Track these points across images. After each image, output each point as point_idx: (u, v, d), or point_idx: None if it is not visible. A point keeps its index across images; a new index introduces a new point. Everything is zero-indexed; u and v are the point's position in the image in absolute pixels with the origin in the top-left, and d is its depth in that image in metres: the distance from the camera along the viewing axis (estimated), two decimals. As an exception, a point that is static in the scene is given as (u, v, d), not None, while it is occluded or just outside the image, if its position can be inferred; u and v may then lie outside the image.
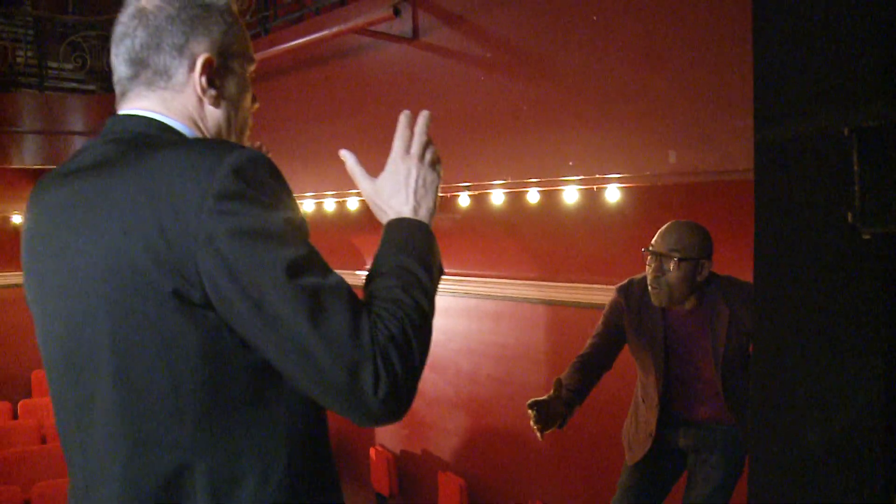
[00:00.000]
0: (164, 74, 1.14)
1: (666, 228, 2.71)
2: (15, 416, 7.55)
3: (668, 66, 2.78)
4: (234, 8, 1.23)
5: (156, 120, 1.13)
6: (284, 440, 1.06)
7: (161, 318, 0.99)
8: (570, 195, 3.53)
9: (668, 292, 2.69)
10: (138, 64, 1.15)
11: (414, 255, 1.14)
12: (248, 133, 1.28)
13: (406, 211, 1.22)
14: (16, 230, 8.03)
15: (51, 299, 1.11)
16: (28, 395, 8.04)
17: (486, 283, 5.98)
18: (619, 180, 3.17)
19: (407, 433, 6.91)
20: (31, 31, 7.03)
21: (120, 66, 1.16)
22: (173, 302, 0.98)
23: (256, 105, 1.29)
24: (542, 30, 3.23)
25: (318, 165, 4.70)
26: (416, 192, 1.23)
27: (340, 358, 0.97)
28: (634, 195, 3.92)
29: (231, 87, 1.20)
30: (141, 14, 1.14)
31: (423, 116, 1.28)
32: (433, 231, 1.23)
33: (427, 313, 1.10)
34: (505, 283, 5.85)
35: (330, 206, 6.02)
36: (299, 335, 0.96)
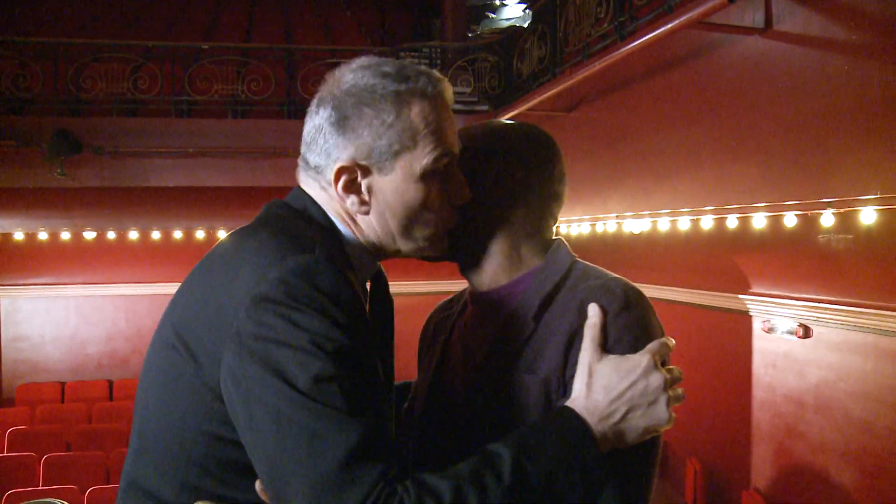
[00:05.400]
0: (317, 170, 1.11)
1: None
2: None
3: None
4: (430, 93, 1.09)
5: (301, 210, 1.11)
6: None
7: (181, 388, 1.01)
8: (968, 214, 2.65)
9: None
10: (305, 149, 1.13)
11: (540, 457, 0.96)
12: (433, 231, 1.13)
13: (591, 407, 1.01)
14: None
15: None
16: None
17: (888, 316, 4.96)
18: None
19: (785, 478, 6.05)
20: (427, 60, 7.77)
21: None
22: (197, 378, 1.00)
23: (466, 193, 1.15)
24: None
25: (672, 179, 4.29)
26: (624, 396, 1.01)
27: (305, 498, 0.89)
28: None
29: (386, 190, 1.08)
30: (315, 105, 1.11)
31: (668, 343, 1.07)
32: (600, 453, 0.99)
33: None
34: (911, 319, 4.80)
35: (707, 223, 5.55)
36: (275, 460, 0.91)
